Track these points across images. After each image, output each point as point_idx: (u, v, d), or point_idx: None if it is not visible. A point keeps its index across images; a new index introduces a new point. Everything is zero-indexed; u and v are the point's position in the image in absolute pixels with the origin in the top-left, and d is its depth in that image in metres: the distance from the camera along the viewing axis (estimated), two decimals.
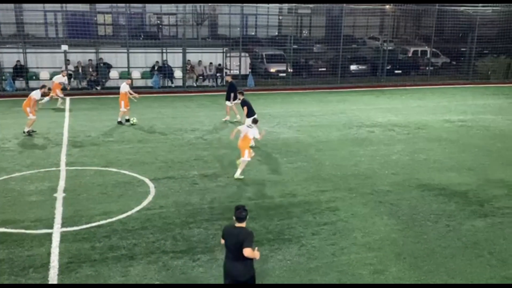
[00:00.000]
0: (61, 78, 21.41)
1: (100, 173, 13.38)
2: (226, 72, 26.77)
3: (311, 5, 31.21)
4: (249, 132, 13.20)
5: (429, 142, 17.06)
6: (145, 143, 16.29)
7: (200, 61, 26.95)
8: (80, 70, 25.50)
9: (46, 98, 19.55)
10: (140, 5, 31.01)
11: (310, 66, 29.27)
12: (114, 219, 10.66)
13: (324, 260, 9.13)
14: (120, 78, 25.57)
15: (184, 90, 25.62)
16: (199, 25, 33.27)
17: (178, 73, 26.55)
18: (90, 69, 25.60)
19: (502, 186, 12.99)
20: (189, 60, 26.50)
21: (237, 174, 13.10)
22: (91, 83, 25.47)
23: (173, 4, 29.17)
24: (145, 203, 11.53)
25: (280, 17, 35.35)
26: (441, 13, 29.17)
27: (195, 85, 26.80)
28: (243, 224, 6.96)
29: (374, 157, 15.34)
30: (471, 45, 30.39)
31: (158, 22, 35.01)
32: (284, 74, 28.20)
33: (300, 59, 29.47)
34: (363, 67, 30.03)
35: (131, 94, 18.53)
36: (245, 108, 16.29)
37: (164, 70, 26.24)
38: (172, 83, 26.63)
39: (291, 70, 28.05)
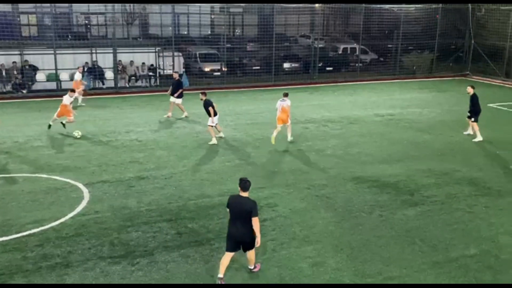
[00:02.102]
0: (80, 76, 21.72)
1: (30, 180, 12.79)
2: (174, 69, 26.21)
3: (242, 4, 31.36)
4: (284, 104, 16.13)
5: (361, 136, 17.64)
6: (77, 147, 15.73)
7: (131, 61, 26.36)
8: (3, 73, 24.21)
9: None
10: (66, 4, 29.82)
11: (244, 65, 29.40)
12: (46, 227, 10.24)
13: (264, 256, 9.22)
14: (48, 80, 24.53)
15: (116, 91, 24.97)
16: (129, 24, 32.51)
17: (109, 74, 25.82)
18: (15, 72, 24.37)
19: (430, 176, 13.65)
20: (120, 61, 25.86)
21: (289, 137, 16.52)
22: (16, 86, 24.25)
23: (101, 4, 28.29)
24: (79, 209, 11.15)
25: (213, 16, 35.24)
26: (368, 11, 30.21)
27: (127, 86, 26.19)
28: (247, 194, 8.11)
29: (309, 152, 15.66)
30: (397, 41, 31.68)
31: (86, 22, 33.90)
32: (219, 73, 28.15)
33: (234, 58, 29.52)
34: (296, 64, 30.52)
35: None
36: (211, 108, 15.95)
37: (94, 71, 25.45)
38: (103, 84, 25.86)
39: (226, 69, 28.05)
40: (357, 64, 31.10)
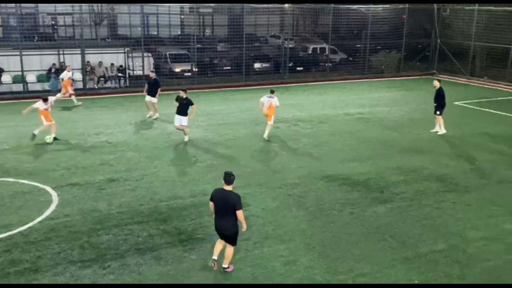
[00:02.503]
0: (68, 74, 21.82)
1: None
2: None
3: (212, 4, 31.28)
4: (272, 101, 16.55)
5: (331, 135, 17.82)
6: (45, 150, 15.43)
7: (100, 62, 25.97)
8: None
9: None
10: (32, 5, 29.17)
11: (215, 65, 29.34)
12: (14, 231, 10.02)
13: (237, 255, 9.23)
14: (14, 82, 23.97)
15: (85, 93, 24.56)
16: (98, 25, 32.05)
17: (77, 75, 25.39)
18: None
19: (399, 173, 13.90)
20: (88, 62, 25.45)
21: (266, 135, 16.75)
22: None
23: (68, 4, 27.79)
24: (47, 212, 10.94)
25: (182, 16, 35.03)
26: (336, 12, 30.54)
27: (96, 87, 25.81)
28: (231, 187, 8.34)
29: (281, 152, 15.75)
30: (365, 41, 32.14)
31: (53, 22, 33.25)
32: (190, 74, 28.02)
33: (205, 58, 29.44)
34: (267, 65, 30.64)
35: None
36: (194, 107, 16.08)
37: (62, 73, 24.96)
38: (71, 85, 25.40)
39: (196, 70, 27.94)
40: (326, 64, 31.41)
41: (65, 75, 21.83)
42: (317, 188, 12.78)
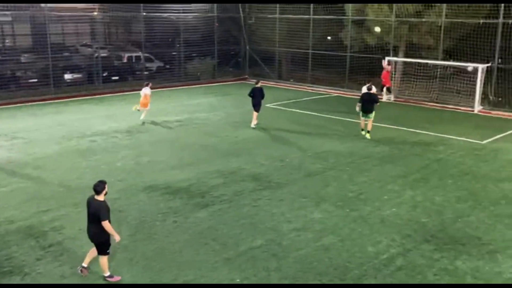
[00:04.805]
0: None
1: None
2: None
3: (8, 12, 28.49)
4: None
5: (152, 144, 17.62)
6: None
7: None
8: None
9: None
10: None
11: (18, 78, 26.84)
12: None
13: (64, 280, 8.53)
14: None
15: None
16: None
17: None
18: None
19: (218, 176, 14.32)
20: None
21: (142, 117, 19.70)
22: None
23: None
24: None
25: None
26: (148, 20, 30.36)
27: None
28: (100, 197, 8.51)
29: (98, 166, 15.06)
30: (179, 49, 32.53)
31: None
32: None
33: (7, 71, 26.75)
34: (79, 75, 29.02)
35: None
36: None
37: None
38: None
39: None
40: (143, 72, 31.02)
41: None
42: (139, 200, 12.50)
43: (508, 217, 11.71)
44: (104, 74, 29.30)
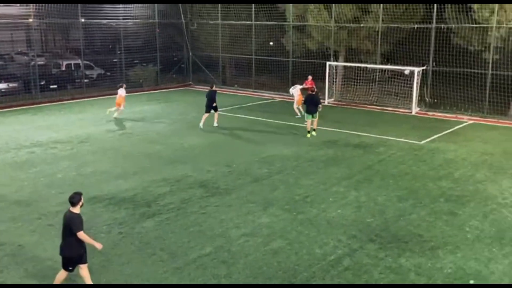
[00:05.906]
0: None
1: None
2: None
3: None
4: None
5: (94, 154, 17.16)
6: None
7: None
8: None
9: None
10: None
11: None
12: None
13: None
14: None
15: None
16: None
17: None
18: None
19: (165, 185, 14.12)
20: None
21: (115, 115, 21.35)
22: None
23: None
24: None
25: None
26: (87, 26, 29.58)
27: None
28: (75, 209, 8.32)
29: (37, 179, 14.50)
30: (120, 56, 31.90)
31: None
32: None
33: None
34: (14, 84, 27.86)
35: None
36: None
37: None
38: None
39: None
40: (83, 80, 30.17)
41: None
42: (82, 212, 12.00)
43: (447, 214, 12.24)
44: (42, 83, 28.27)
